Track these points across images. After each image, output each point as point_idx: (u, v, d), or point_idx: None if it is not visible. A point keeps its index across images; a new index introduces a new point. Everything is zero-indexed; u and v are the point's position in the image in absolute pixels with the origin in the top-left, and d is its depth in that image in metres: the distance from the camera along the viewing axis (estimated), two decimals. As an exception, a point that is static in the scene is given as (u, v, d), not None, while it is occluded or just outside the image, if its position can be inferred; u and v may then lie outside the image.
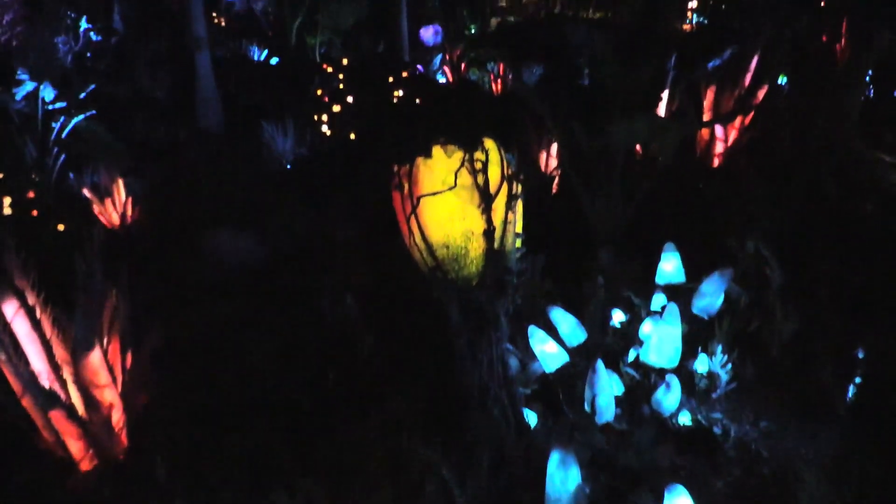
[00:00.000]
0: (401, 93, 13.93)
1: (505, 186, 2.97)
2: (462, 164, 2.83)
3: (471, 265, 2.99)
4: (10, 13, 15.46)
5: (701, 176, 7.08)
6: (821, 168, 6.46)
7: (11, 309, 3.63)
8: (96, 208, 9.94)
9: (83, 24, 15.84)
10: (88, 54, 15.46)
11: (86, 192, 10.00)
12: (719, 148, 7.50)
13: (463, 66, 17.55)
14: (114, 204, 10.01)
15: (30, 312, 3.66)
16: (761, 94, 7.40)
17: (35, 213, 10.42)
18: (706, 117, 7.25)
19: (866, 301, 5.04)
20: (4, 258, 3.67)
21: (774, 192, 6.18)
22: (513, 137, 7.89)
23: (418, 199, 2.90)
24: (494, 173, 2.93)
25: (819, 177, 6.33)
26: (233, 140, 13.15)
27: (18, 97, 11.88)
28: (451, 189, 2.82)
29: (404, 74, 14.60)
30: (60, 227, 9.98)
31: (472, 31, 24.83)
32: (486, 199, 2.88)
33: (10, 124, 11.36)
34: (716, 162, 7.56)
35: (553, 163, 7.79)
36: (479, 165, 2.85)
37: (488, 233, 2.90)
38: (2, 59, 14.11)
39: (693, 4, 28.08)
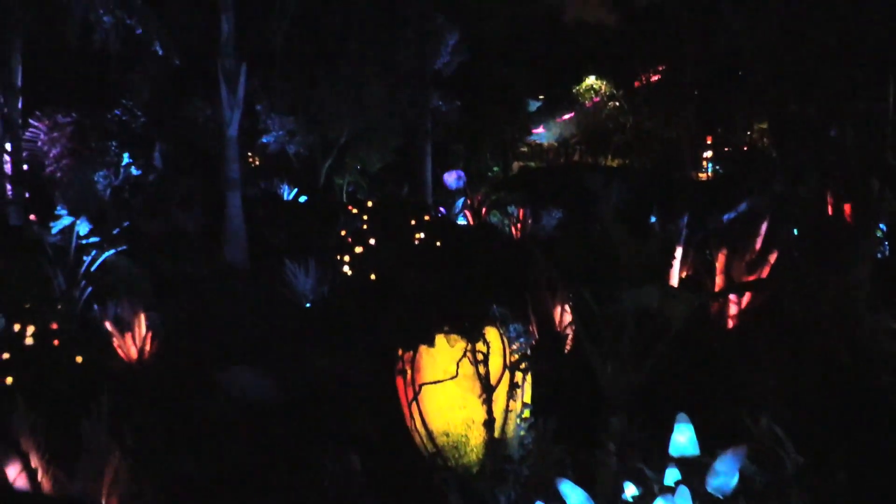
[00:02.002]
0: (422, 235, 14.31)
1: (507, 375, 3.02)
2: (464, 355, 2.89)
3: (471, 453, 2.98)
4: (58, 147, 16.41)
5: (714, 339, 7.06)
6: (834, 337, 6.43)
7: (14, 471, 3.64)
8: (116, 341, 10.08)
9: (125, 159, 16.73)
10: (127, 188, 16.21)
11: (108, 325, 10.20)
12: (733, 310, 7.53)
13: (484, 210, 18.10)
14: (134, 338, 10.17)
15: (31, 476, 3.67)
16: (773, 258, 7.51)
17: (56, 343, 10.59)
18: (718, 281, 7.34)
19: (886, 484, 4.86)
20: (13, 419, 3.72)
21: (788, 363, 6.13)
22: (526, 290, 8.02)
23: (420, 386, 2.95)
24: (496, 363, 2.98)
25: (832, 346, 6.28)
26: (256, 276, 13.46)
27: (55, 231, 12.42)
28: (452, 378, 2.87)
29: (426, 217, 15.06)
30: (79, 359, 10.09)
31: (495, 173, 25.81)
32: (488, 390, 2.91)
33: (43, 256, 11.80)
34: (730, 323, 7.56)
35: (567, 318, 7.83)
36: (480, 357, 2.91)
37: (489, 423, 2.91)
38: (44, 192, 14.90)
39: (708, 154, 29.11)
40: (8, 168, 14.83)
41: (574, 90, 29.42)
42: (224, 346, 10.44)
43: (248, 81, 14.85)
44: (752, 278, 7.28)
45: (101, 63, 15.78)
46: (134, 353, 10.12)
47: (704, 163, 28.23)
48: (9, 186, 14.77)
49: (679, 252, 7.69)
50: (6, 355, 9.67)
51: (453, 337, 3.01)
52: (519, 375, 3.09)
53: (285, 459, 6.27)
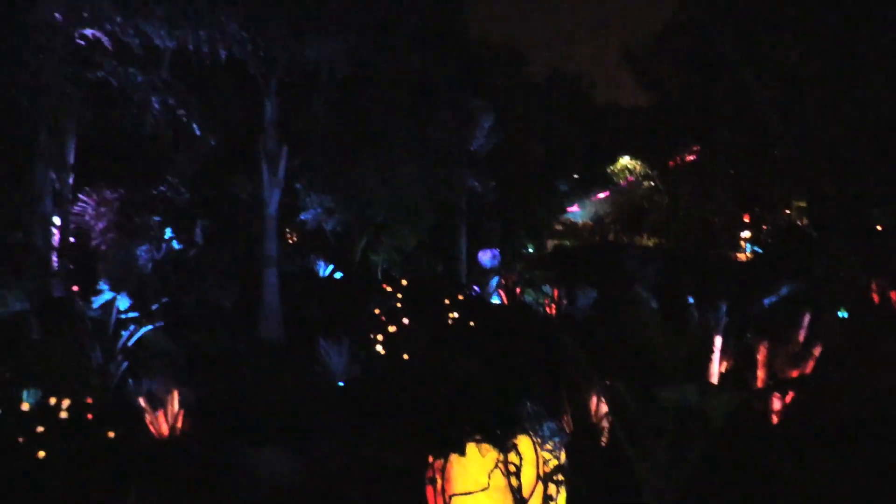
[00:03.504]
0: (456, 315, 14.27)
1: (540, 487, 2.91)
2: (496, 466, 2.81)
3: (503, 569, 2.86)
4: (104, 221, 16.90)
5: (758, 436, 6.79)
6: (886, 441, 6.13)
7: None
8: (148, 417, 10.11)
9: (168, 234, 17.17)
10: (168, 263, 16.54)
11: (141, 401, 10.25)
12: (777, 405, 7.26)
13: (518, 289, 18.03)
14: (166, 415, 10.20)
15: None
16: (817, 351, 7.27)
17: (90, 417, 10.65)
18: (760, 375, 7.11)
19: None
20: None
21: (836, 465, 5.84)
22: (561, 377, 7.86)
23: (450, 497, 2.86)
24: (529, 474, 2.88)
25: (884, 451, 5.98)
26: (290, 353, 13.49)
27: (95, 305, 12.71)
28: (483, 490, 2.78)
29: (460, 296, 15.06)
30: (111, 434, 10.12)
31: (529, 251, 25.82)
32: (520, 503, 2.81)
33: (83, 330, 12.03)
34: (774, 419, 7.28)
35: (604, 408, 7.62)
36: (513, 468, 2.83)
37: (522, 538, 2.80)
38: (88, 264, 15.30)
39: (746, 234, 28.79)
40: (55, 240, 15.29)
41: (608, 169, 29.66)
42: (255, 424, 10.40)
43: (288, 161, 15.30)
44: (795, 373, 7.04)
45: (148, 142, 16.39)
46: (165, 430, 10.13)
47: (742, 242, 27.89)
48: (55, 258, 15.19)
49: (718, 341, 7.49)
50: (40, 428, 9.77)
51: (485, 446, 2.93)
52: (553, 488, 2.98)
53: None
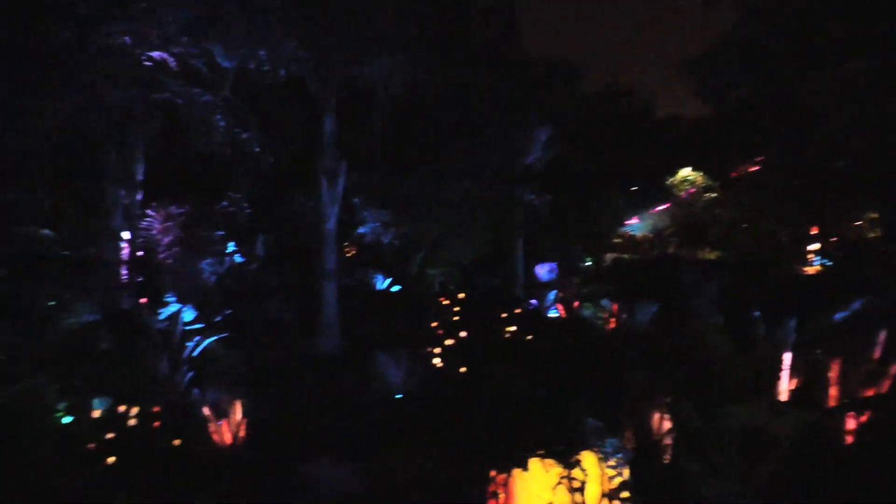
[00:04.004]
0: (513, 328, 14.18)
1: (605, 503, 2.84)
2: (559, 481, 2.76)
3: (567, 587, 2.78)
4: (170, 235, 17.43)
5: (830, 457, 6.50)
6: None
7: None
8: (212, 427, 10.37)
9: (230, 248, 17.61)
10: (230, 276, 16.94)
11: (206, 410, 10.53)
12: (851, 424, 6.94)
13: (576, 303, 17.81)
14: (229, 424, 10.44)
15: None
16: (894, 370, 6.94)
17: (157, 425, 10.97)
18: (832, 392, 6.82)
19: None
20: None
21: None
22: (622, 393, 7.71)
23: (514, 512, 2.83)
24: (593, 492, 2.82)
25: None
26: (348, 365, 13.61)
27: (162, 316, 13.12)
28: (548, 506, 2.73)
29: (518, 310, 14.97)
30: (176, 442, 10.40)
31: (587, 264, 25.46)
32: (585, 520, 2.75)
33: (150, 341, 12.43)
34: (849, 439, 6.96)
35: (666, 425, 7.44)
36: (577, 484, 2.77)
37: (586, 557, 2.73)
38: (155, 277, 15.81)
39: (815, 246, 27.75)
40: (124, 254, 15.85)
41: (668, 181, 29.07)
42: (314, 436, 10.52)
43: (346, 177, 15.53)
44: (871, 391, 6.73)
45: (211, 160, 16.87)
46: (228, 439, 10.36)
47: (810, 255, 26.89)
48: (123, 271, 15.74)
49: (788, 358, 7.24)
50: (110, 435, 10.12)
51: (548, 461, 2.88)
52: (618, 504, 2.91)
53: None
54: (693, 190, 28.80)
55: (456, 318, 14.20)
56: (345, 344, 14.52)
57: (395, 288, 18.46)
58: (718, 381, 5.43)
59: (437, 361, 12.87)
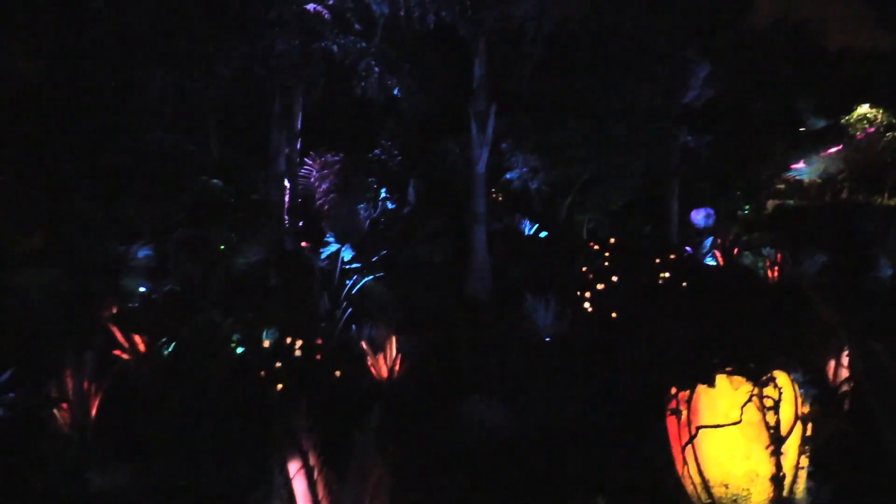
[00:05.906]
0: (667, 275, 13.68)
1: (798, 427, 2.66)
2: (749, 399, 2.61)
3: (753, 511, 2.66)
4: (326, 182, 18.24)
5: None
6: None
7: (295, 467, 3.99)
8: (370, 360, 10.89)
9: (382, 194, 18.19)
10: (383, 221, 17.53)
11: (363, 344, 11.08)
12: None
13: (735, 250, 16.85)
14: (385, 358, 10.92)
15: (308, 473, 3.98)
16: None
17: (319, 357, 11.70)
18: None
19: None
20: (296, 421, 4.07)
21: None
22: (794, 342, 7.23)
23: (697, 429, 2.71)
24: (787, 412, 2.65)
25: None
26: (497, 308, 13.76)
27: (323, 256, 13.85)
28: (735, 424, 2.59)
29: (672, 256, 14.39)
30: (337, 374, 11.06)
31: (747, 213, 23.94)
32: (777, 441, 2.59)
33: (313, 278, 13.19)
34: None
35: (843, 373, 6.91)
36: (769, 402, 2.61)
37: (777, 478, 2.58)
38: (314, 222, 16.68)
39: None
40: (286, 199, 16.82)
41: (842, 121, 26.46)
42: (465, 374, 10.78)
43: (495, 122, 15.44)
44: None
45: (364, 108, 17.36)
46: (384, 372, 10.85)
47: None
48: (286, 217, 16.73)
49: None
50: (278, 364, 10.92)
51: (737, 379, 2.74)
52: (811, 429, 2.72)
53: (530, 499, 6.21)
54: (871, 130, 26.03)
55: (606, 263, 13.89)
56: (494, 287, 14.66)
57: (543, 234, 18.31)
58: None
59: (587, 306, 12.70)
